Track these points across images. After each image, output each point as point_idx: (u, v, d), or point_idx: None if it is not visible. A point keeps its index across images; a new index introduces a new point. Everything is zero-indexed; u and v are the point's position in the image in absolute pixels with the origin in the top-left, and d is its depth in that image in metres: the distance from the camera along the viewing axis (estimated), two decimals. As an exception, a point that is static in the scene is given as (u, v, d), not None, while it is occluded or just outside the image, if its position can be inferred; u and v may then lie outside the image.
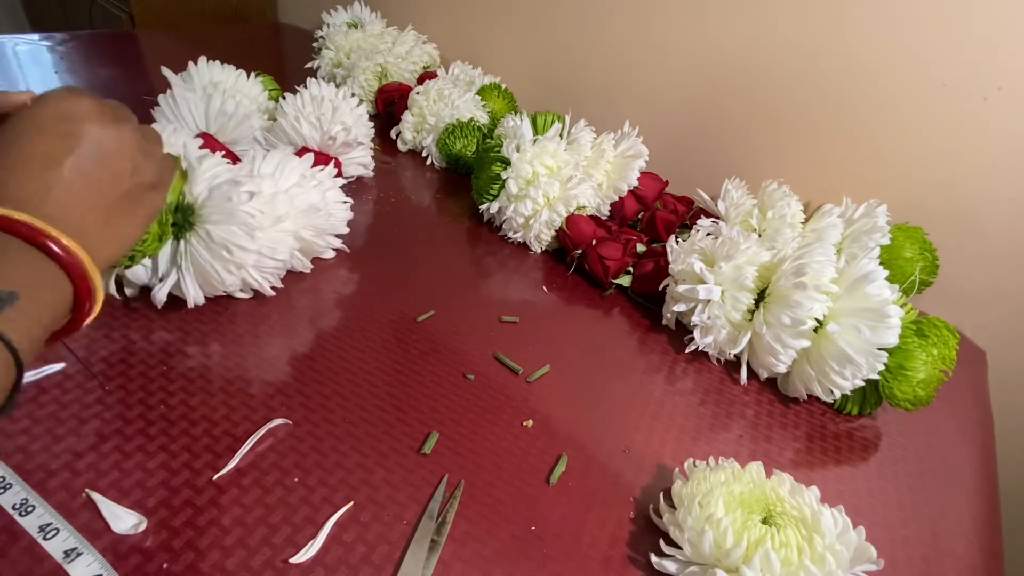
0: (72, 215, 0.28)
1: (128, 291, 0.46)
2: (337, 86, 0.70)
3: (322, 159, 0.64)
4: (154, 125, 0.51)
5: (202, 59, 0.64)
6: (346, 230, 0.55)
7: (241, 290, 0.48)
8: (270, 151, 0.50)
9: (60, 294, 0.27)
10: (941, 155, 0.60)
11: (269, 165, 0.48)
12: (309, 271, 0.53)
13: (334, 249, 0.55)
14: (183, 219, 0.43)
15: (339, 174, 0.64)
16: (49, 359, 0.39)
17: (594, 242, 0.58)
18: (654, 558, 0.34)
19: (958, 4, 0.55)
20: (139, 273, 0.44)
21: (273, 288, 0.49)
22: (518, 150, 0.61)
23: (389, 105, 0.85)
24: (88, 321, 0.29)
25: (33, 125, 0.28)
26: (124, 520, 0.31)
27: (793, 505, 0.34)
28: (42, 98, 0.29)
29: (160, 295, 0.43)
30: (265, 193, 0.45)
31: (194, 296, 0.44)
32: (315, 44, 1.03)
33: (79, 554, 0.29)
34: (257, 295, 0.49)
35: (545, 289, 0.58)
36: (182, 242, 0.43)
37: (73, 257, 0.27)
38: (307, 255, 0.53)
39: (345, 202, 0.54)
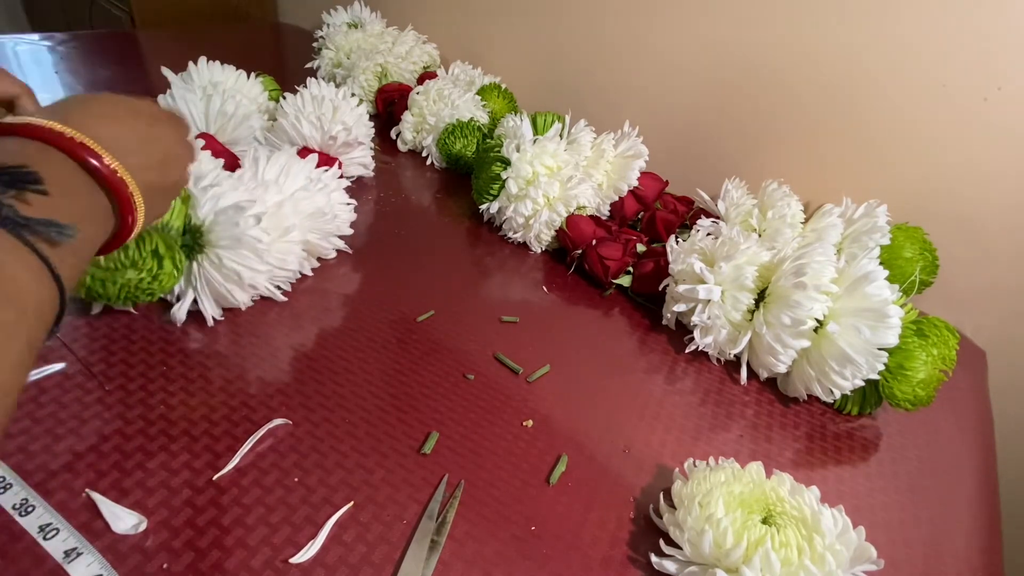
0: (121, 147, 0.28)
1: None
2: (337, 86, 0.70)
3: (325, 160, 0.64)
4: None
5: (202, 59, 0.64)
6: (350, 231, 0.55)
7: (251, 298, 0.48)
8: (273, 153, 0.50)
9: (103, 221, 0.28)
10: (941, 155, 0.60)
11: (273, 169, 0.48)
12: (308, 270, 0.53)
13: (336, 249, 0.55)
14: (192, 241, 0.43)
15: (340, 175, 0.64)
16: (50, 359, 0.39)
17: (594, 242, 0.58)
18: (654, 558, 0.34)
19: (958, 4, 0.55)
20: None
21: (282, 292, 0.49)
22: (518, 150, 0.61)
23: (389, 105, 0.85)
24: (133, 236, 0.31)
25: (99, 98, 0.30)
26: (124, 520, 0.31)
27: (793, 505, 0.34)
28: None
29: (179, 315, 0.44)
30: (270, 203, 0.45)
31: (212, 312, 0.45)
32: (315, 44, 1.03)
33: (79, 554, 0.29)
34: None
35: (545, 289, 0.58)
36: (195, 264, 0.43)
37: (116, 177, 0.27)
38: (311, 256, 0.53)
39: (349, 204, 0.54)
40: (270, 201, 0.46)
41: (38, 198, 0.23)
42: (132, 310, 0.45)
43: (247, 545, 0.31)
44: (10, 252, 0.22)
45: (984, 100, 0.56)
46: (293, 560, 0.31)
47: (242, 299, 0.46)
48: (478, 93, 0.81)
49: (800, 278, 0.45)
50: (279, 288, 0.48)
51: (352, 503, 0.34)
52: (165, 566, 0.30)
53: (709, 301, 0.49)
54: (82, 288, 0.40)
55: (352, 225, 0.55)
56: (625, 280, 0.58)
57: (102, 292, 0.40)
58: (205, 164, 0.46)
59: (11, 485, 0.32)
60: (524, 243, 0.64)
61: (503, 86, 0.85)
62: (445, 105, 0.77)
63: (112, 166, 0.27)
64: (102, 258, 0.38)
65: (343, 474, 0.36)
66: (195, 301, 0.45)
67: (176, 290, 0.44)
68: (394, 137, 0.82)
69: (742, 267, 0.48)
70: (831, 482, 0.42)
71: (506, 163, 0.61)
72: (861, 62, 0.62)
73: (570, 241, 0.59)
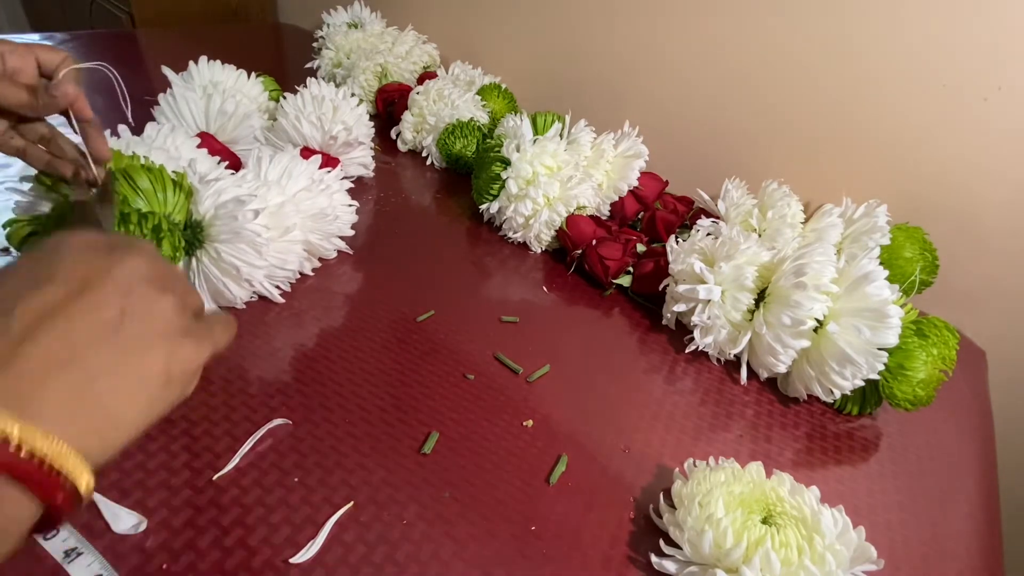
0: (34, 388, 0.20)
1: None
2: (337, 86, 0.70)
3: (326, 160, 0.64)
4: (153, 124, 0.51)
5: (202, 59, 0.64)
6: (351, 232, 0.55)
7: (249, 296, 0.48)
8: (276, 153, 0.50)
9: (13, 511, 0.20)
10: (941, 155, 0.60)
11: (276, 170, 0.48)
12: (308, 270, 0.53)
13: (336, 249, 0.55)
14: (192, 236, 0.43)
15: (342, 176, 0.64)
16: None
17: (594, 242, 0.58)
18: (654, 558, 0.34)
19: (958, 4, 0.55)
20: None
21: (281, 293, 0.49)
22: (518, 150, 0.61)
23: (389, 105, 0.85)
24: (75, 509, 0.21)
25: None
26: (124, 520, 0.31)
27: (793, 505, 0.34)
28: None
29: None
30: (272, 203, 0.45)
31: (208, 309, 0.44)
32: (315, 44, 1.03)
33: (79, 554, 0.29)
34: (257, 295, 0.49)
35: (545, 289, 0.58)
36: (194, 260, 0.43)
37: (19, 458, 0.19)
38: (312, 256, 0.53)
39: (351, 205, 0.54)
40: (272, 201, 0.46)
41: None
42: None
43: (247, 545, 0.31)
44: None
45: (984, 100, 0.56)
46: (293, 560, 0.31)
47: (238, 294, 0.45)
48: (478, 93, 0.81)
49: (800, 278, 0.45)
50: (278, 288, 0.48)
51: (352, 503, 0.34)
52: (165, 566, 0.30)
53: (709, 301, 0.49)
54: None
55: (352, 225, 0.55)
56: (625, 280, 0.58)
57: None
58: (202, 166, 0.46)
59: (11, 485, 0.32)
60: (524, 243, 0.64)
61: (503, 86, 0.85)
62: (445, 105, 0.77)
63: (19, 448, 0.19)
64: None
65: (343, 474, 0.36)
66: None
67: None
68: (394, 137, 0.82)
69: (742, 267, 0.48)
70: (831, 482, 0.42)
71: (506, 163, 0.61)
72: (861, 62, 0.62)
73: (570, 241, 0.59)
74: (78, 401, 0.21)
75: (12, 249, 0.44)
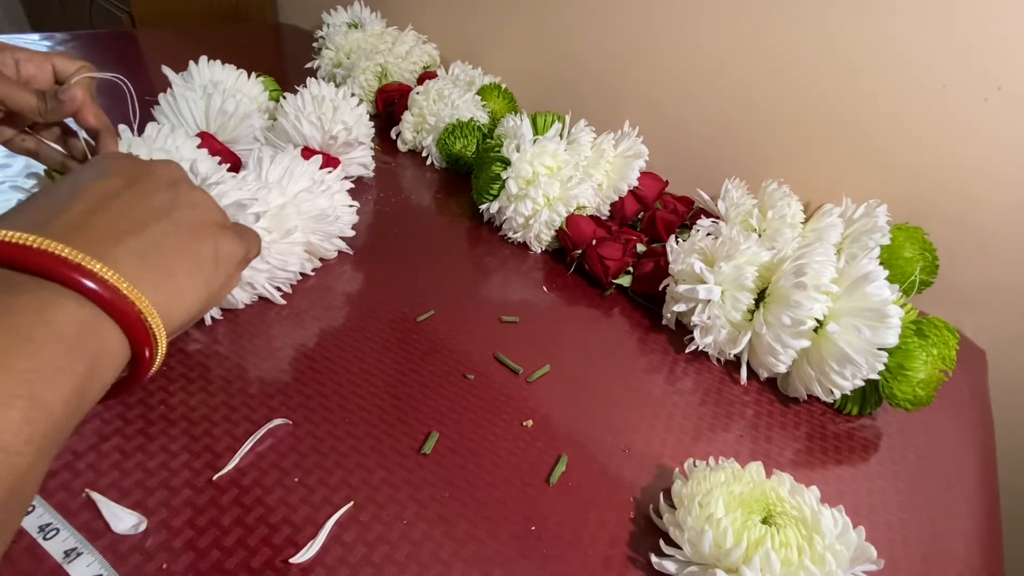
0: (116, 249, 0.22)
1: None
2: (337, 86, 0.70)
3: (327, 161, 0.64)
4: (153, 124, 0.51)
5: (202, 58, 0.64)
6: (352, 233, 0.55)
7: (251, 299, 0.48)
8: (277, 153, 0.50)
9: (105, 358, 0.21)
10: (941, 155, 0.60)
11: (276, 171, 0.48)
12: (309, 271, 0.53)
13: (336, 249, 0.55)
14: None
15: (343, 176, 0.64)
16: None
17: (594, 242, 0.58)
18: (654, 558, 0.34)
19: (958, 4, 0.55)
20: None
21: (282, 294, 0.49)
22: (518, 150, 0.61)
23: (389, 105, 0.85)
24: (150, 373, 0.23)
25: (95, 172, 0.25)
26: (124, 520, 0.31)
27: (793, 505, 0.34)
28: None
29: None
30: (273, 205, 0.45)
31: (210, 312, 0.44)
32: (315, 44, 1.03)
33: (79, 554, 0.29)
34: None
35: (545, 289, 0.58)
36: None
37: (118, 293, 0.21)
38: (313, 257, 0.53)
39: (352, 206, 0.54)
40: (273, 203, 0.45)
41: None
42: None
43: (247, 545, 0.31)
44: None
45: (984, 100, 0.56)
46: (293, 560, 0.31)
47: (241, 298, 0.46)
48: (478, 93, 0.81)
49: (800, 278, 0.45)
50: (279, 289, 0.48)
51: (352, 503, 0.34)
52: (165, 566, 0.30)
53: (709, 301, 0.49)
54: None
55: (353, 225, 0.55)
56: (625, 280, 0.58)
57: None
58: (202, 166, 0.46)
59: (11, 485, 0.32)
60: (524, 243, 0.64)
61: (503, 86, 0.85)
62: (445, 105, 0.77)
63: (113, 284, 0.21)
64: None
65: (343, 474, 0.36)
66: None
67: None
68: (394, 137, 0.82)
69: (742, 267, 0.48)
70: (831, 482, 0.42)
71: (506, 163, 0.61)
72: (861, 62, 0.62)
73: (570, 241, 0.59)
74: (147, 265, 0.23)
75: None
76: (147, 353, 0.22)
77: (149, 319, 0.22)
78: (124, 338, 0.21)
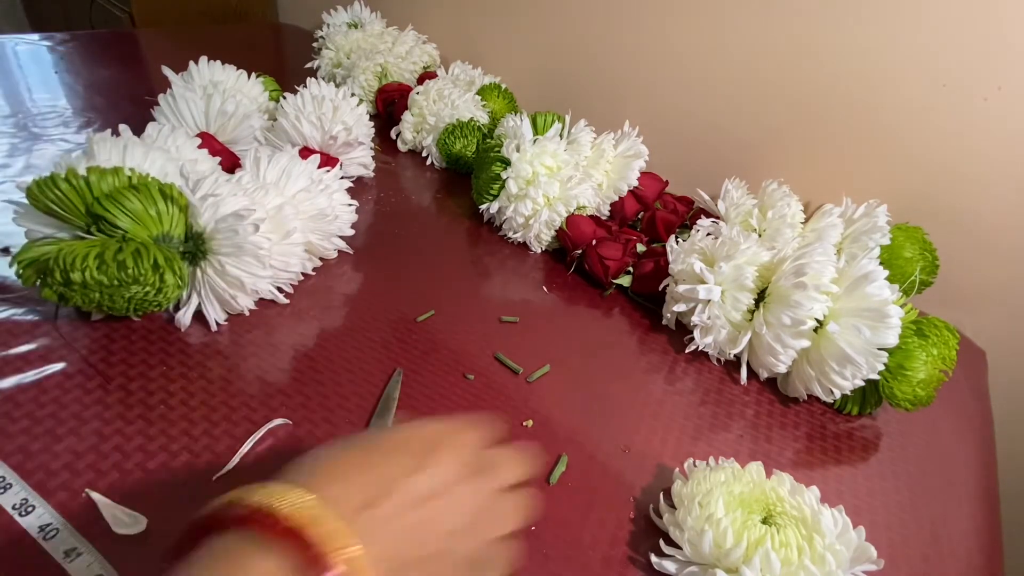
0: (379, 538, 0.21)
1: None
2: (337, 86, 0.70)
3: (326, 160, 0.64)
4: (154, 124, 0.51)
5: (203, 59, 0.64)
6: (351, 232, 0.55)
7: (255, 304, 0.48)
8: (275, 154, 0.49)
9: None
10: (941, 155, 0.60)
11: (274, 171, 0.48)
12: (310, 270, 0.53)
13: (336, 249, 0.55)
14: (195, 247, 0.43)
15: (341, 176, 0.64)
16: (50, 359, 0.39)
17: (594, 242, 0.58)
18: (654, 558, 0.34)
19: (958, 4, 0.55)
20: None
21: (284, 295, 0.49)
22: (518, 150, 0.61)
23: (389, 105, 0.85)
24: None
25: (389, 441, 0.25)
26: (124, 520, 0.31)
27: (793, 505, 0.34)
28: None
29: (184, 320, 0.44)
30: (271, 207, 0.45)
31: (215, 317, 0.45)
32: (315, 44, 1.03)
33: (79, 554, 0.29)
34: (257, 295, 0.49)
35: (545, 289, 0.58)
36: (198, 270, 0.43)
37: None
38: (312, 256, 0.53)
39: (351, 205, 0.54)
40: (270, 204, 0.45)
41: None
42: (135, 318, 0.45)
43: (247, 545, 0.31)
44: None
45: (984, 100, 0.56)
46: (293, 560, 0.31)
47: (246, 304, 0.46)
48: (478, 93, 0.81)
49: (800, 278, 0.45)
50: (280, 290, 0.48)
51: (352, 503, 0.34)
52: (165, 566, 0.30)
53: (709, 301, 0.49)
54: (91, 304, 0.39)
55: (352, 225, 0.55)
56: (625, 280, 0.58)
57: (111, 305, 0.40)
58: (203, 166, 0.46)
59: (11, 485, 0.32)
60: (524, 243, 0.64)
61: (503, 86, 0.85)
62: (445, 105, 0.77)
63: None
64: (105, 276, 0.37)
65: (343, 474, 0.36)
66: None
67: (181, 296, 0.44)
68: (394, 137, 0.82)
69: (742, 267, 0.48)
70: (831, 482, 0.42)
71: (506, 163, 0.61)
72: (861, 62, 0.62)
73: (570, 241, 0.59)
74: None
75: (11, 249, 0.44)
76: None
77: None
78: None
